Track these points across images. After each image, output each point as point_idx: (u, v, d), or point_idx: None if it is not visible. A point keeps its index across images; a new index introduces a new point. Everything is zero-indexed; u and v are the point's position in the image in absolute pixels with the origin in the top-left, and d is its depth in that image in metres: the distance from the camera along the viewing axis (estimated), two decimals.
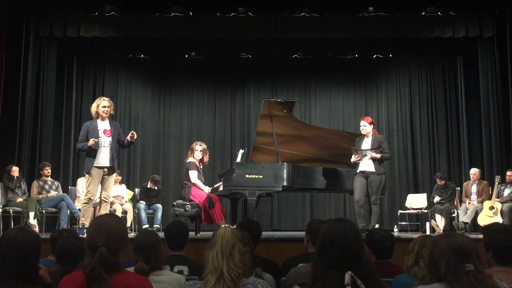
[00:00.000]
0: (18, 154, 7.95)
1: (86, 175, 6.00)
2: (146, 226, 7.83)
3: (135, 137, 6.17)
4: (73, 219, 7.52)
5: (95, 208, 6.79)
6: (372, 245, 3.08)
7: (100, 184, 6.09)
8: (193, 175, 6.68)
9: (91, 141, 5.81)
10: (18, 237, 2.04)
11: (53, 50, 8.78)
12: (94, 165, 5.90)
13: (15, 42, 8.05)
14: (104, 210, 6.01)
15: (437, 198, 7.98)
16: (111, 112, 6.09)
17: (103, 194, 6.06)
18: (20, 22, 8.13)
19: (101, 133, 5.95)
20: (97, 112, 5.98)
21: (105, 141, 5.96)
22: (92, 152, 5.89)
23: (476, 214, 7.51)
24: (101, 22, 8.36)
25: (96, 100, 6.13)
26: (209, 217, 6.49)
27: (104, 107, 5.97)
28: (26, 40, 8.21)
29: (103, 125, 6.00)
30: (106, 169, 5.96)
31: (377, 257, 3.07)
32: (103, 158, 5.95)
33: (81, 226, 5.84)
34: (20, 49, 8.08)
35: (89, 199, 5.94)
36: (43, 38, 8.52)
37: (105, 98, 6.13)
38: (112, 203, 7.54)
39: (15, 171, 7.27)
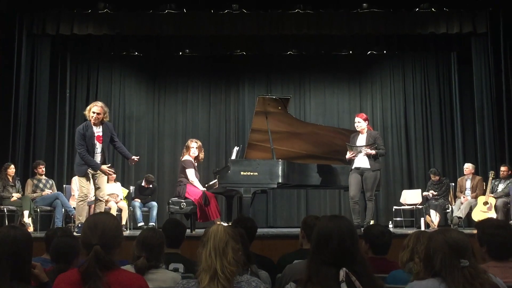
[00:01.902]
0: (12, 153, 7.91)
1: (78, 176, 5.96)
2: (141, 224, 7.81)
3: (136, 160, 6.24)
4: (68, 217, 7.51)
5: (90, 207, 6.77)
6: (370, 240, 3.09)
7: (92, 184, 6.05)
8: (191, 173, 6.67)
9: (111, 173, 5.94)
10: (10, 235, 2.03)
11: (46, 48, 8.73)
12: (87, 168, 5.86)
13: (8, 40, 7.99)
14: (99, 209, 5.97)
15: (429, 193, 8.01)
16: (105, 119, 5.91)
17: (97, 193, 6.01)
18: (13, 19, 8.07)
19: (94, 140, 5.87)
20: (89, 116, 5.86)
21: (98, 147, 5.89)
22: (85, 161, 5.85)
23: (470, 209, 7.54)
24: (94, 20, 8.32)
25: (91, 103, 6.00)
26: (205, 214, 6.49)
27: (94, 113, 5.80)
28: (19, 38, 8.15)
29: (97, 131, 5.88)
30: (98, 171, 5.93)
31: (374, 252, 3.08)
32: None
33: (80, 225, 5.78)
34: (13, 47, 8.02)
35: (85, 195, 5.91)
36: (36, 35, 8.47)
37: (98, 103, 5.94)
38: (107, 201, 7.52)
39: None
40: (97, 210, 5.92)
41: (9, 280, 1.94)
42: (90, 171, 5.90)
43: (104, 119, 5.92)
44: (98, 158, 5.90)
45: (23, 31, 8.21)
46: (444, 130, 9.80)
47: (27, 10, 8.22)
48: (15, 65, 8.02)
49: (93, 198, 6.26)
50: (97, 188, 6.01)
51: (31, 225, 7.03)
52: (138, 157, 6.35)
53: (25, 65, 8.28)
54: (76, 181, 7.87)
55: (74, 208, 7.30)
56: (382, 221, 9.08)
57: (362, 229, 5.40)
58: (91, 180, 5.97)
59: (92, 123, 5.84)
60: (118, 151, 6.32)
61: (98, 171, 5.93)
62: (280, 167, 6.15)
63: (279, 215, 9.93)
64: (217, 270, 1.93)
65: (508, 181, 7.47)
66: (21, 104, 8.16)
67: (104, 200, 6.12)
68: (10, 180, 7.29)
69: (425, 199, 8.27)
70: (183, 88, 10.29)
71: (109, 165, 6.04)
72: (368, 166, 6.23)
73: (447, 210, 7.96)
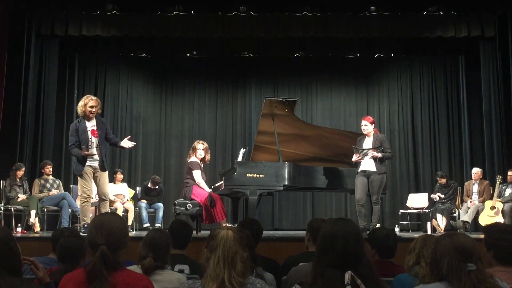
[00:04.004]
0: (19, 153, 7.96)
1: (79, 177, 5.93)
2: (147, 225, 7.83)
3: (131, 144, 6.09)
4: (75, 217, 7.53)
5: (95, 207, 6.78)
6: (376, 243, 3.07)
7: (95, 184, 6.03)
8: (197, 174, 6.68)
9: (85, 151, 5.75)
10: None
11: (55, 49, 8.78)
12: (85, 166, 5.83)
13: (17, 41, 8.06)
14: (104, 208, 5.93)
15: (436, 195, 7.97)
16: (98, 112, 5.94)
17: (100, 193, 5.97)
18: (22, 20, 8.14)
19: (89, 134, 5.85)
20: (83, 112, 5.83)
21: (94, 142, 5.87)
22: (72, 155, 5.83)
23: (477, 214, 7.51)
24: (103, 21, 8.36)
25: (83, 99, 5.93)
26: (210, 216, 6.50)
27: (92, 107, 5.81)
28: (28, 39, 8.21)
29: (90, 125, 5.86)
30: (97, 167, 5.91)
31: (380, 256, 3.06)
32: (94, 160, 5.89)
33: (85, 225, 5.75)
34: (22, 48, 8.09)
35: (88, 196, 5.88)
36: (45, 36, 8.53)
37: (92, 97, 5.94)
38: (113, 202, 7.55)
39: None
40: (102, 210, 5.88)
41: (4, 275, 1.95)
42: (89, 169, 5.87)
43: (98, 112, 5.94)
44: (94, 152, 5.87)
45: (32, 31, 8.28)
46: (452, 134, 9.75)
47: (36, 11, 8.29)
48: (23, 66, 8.09)
49: (97, 199, 6.25)
50: (99, 188, 5.98)
51: (38, 225, 7.07)
52: (129, 136, 6.21)
53: (33, 66, 8.34)
54: None
55: None
56: (388, 225, 9.04)
57: (368, 232, 5.38)
58: (92, 180, 5.95)
59: (85, 118, 5.82)
60: (113, 144, 6.24)
61: (98, 170, 5.91)
62: (286, 169, 6.14)
63: (285, 217, 9.92)
64: (225, 280, 1.91)
65: None
66: (29, 105, 8.22)
67: (107, 199, 6.07)
68: (18, 180, 7.33)
69: (432, 203, 8.23)
70: (190, 89, 10.31)
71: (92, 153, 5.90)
72: (375, 169, 6.21)
73: (454, 214, 7.92)
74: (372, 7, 8.28)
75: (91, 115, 5.84)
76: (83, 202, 5.90)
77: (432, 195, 8.17)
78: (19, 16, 8.10)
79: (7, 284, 1.92)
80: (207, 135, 9.86)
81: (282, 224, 9.83)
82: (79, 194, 7.78)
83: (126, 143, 6.06)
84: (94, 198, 6.47)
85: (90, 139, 5.84)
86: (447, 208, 7.81)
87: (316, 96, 10.30)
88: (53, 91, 8.77)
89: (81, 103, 5.90)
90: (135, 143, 6.21)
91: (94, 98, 5.95)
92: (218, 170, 8.69)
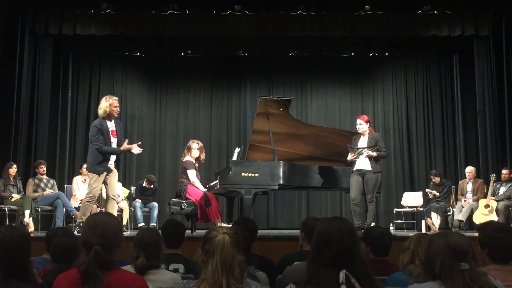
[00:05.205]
0: (13, 152, 7.92)
1: (91, 174, 5.80)
2: (142, 224, 7.81)
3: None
4: (69, 217, 7.51)
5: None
6: (370, 242, 3.08)
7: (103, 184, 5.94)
8: (192, 174, 6.67)
9: (138, 149, 5.84)
10: (7, 235, 2.04)
11: (49, 48, 8.74)
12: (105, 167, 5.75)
13: (11, 40, 8.00)
14: (112, 208, 5.79)
15: (431, 191, 8.01)
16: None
17: (110, 192, 5.85)
18: (15, 19, 8.09)
19: (110, 134, 5.78)
20: (106, 112, 5.73)
21: (113, 142, 5.81)
22: (106, 155, 5.73)
23: (472, 212, 7.54)
24: (97, 20, 8.33)
25: (107, 99, 5.81)
26: (205, 215, 6.49)
27: (116, 106, 5.78)
28: (22, 38, 8.16)
29: (111, 126, 5.81)
30: (111, 168, 5.86)
31: (375, 254, 3.07)
32: (112, 159, 5.84)
33: (81, 225, 5.66)
34: (16, 47, 8.04)
35: (94, 197, 5.79)
36: (38, 35, 8.49)
37: (114, 97, 5.90)
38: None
39: None
40: (110, 209, 5.74)
41: (3, 278, 1.95)
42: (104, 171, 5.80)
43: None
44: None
45: (26, 30, 8.23)
46: (446, 133, 9.79)
47: (30, 10, 8.24)
48: (17, 65, 8.05)
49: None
50: (109, 187, 5.86)
51: (32, 225, 7.04)
52: (139, 142, 6.17)
53: (27, 65, 8.29)
54: (77, 181, 7.91)
55: (75, 208, 7.32)
56: (383, 224, 9.06)
57: (362, 231, 5.39)
58: (102, 180, 5.83)
59: (106, 118, 5.75)
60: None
61: (112, 170, 5.84)
62: (281, 169, 6.14)
63: (280, 216, 9.92)
64: (223, 286, 1.90)
65: (510, 184, 7.47)
66: (23, 104, 8.18)
67: (116, 200, 5.96)
68: (12, 179, 7.30)
69: (427, 200, 8.26)
70: (185, 88, 10.29)
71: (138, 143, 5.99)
72: (370, 168, 6.23)
73: (448, 213, 7.95)
74: (366, 6, 8.28)
75: (115, 115, 5.81)
76: (87, 201, 5.77)
77: (427, 190, 8.20)
78: (13, 15, 8.05)
79: (6, 286, 1.92)
80: (202, 134, 9.85)
81: (277, 223, 9.83)
82: (74, 193, 7.81)
83: (136, 149, 5.95)
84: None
85: (110, 140, 5.77)
86: (442, 206, 7.84)
87: (311, 95, 10.30)
88: (47, 90, 8.72)
89: (105, 103, 5.76)
90: (141, 150, 6.14)
91: (116, 97, 5.91)
92: (213, 169, 8.67)
